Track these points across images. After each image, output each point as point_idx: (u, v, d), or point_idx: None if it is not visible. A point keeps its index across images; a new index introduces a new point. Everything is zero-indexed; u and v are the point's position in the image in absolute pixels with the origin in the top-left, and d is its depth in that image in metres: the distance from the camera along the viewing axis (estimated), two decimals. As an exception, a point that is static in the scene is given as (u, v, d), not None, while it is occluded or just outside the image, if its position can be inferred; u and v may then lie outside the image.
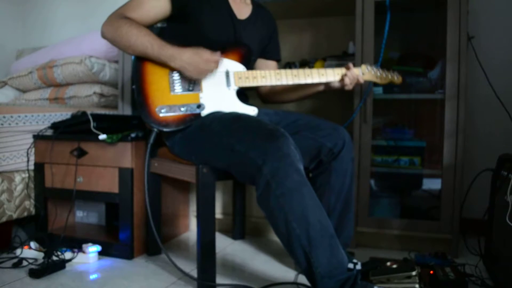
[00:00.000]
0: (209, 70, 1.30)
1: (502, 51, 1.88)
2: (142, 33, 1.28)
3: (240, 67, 1.38)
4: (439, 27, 1.64)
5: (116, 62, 2.16)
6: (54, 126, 1.72)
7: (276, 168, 1.06)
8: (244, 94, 1.46)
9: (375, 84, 1.68)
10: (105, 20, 1.34)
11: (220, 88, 1.36)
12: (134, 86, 1.38)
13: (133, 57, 1.36)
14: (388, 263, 1.32)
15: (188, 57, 1.28)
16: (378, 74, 1.48)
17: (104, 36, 1.34)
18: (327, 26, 2.04)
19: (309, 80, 1.40)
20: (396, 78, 1.51)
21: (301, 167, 1.11)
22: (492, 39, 1.89)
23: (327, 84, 1.47)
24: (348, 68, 1.41)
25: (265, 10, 1.57)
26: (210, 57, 1.29)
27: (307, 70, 1.40)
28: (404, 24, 1.83)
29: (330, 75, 1.42)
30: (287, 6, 1.84)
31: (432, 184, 1.86)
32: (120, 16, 1.32)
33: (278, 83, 1.39)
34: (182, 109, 1.31)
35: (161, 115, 1.30)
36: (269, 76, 1.38)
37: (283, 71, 1.39)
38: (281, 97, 1.59)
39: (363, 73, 1.45)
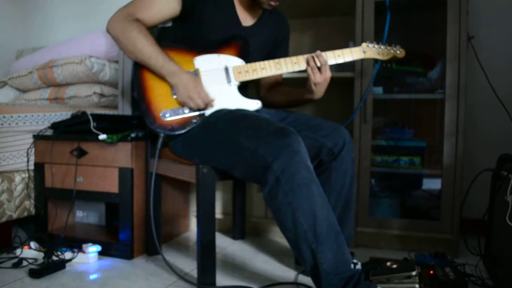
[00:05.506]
0: (195, 102, 1.28)
1: (502, 51, 1.88)
2: (149, 42, 1.29)
3: (238, 61, 1.37)
4: (439, 27, 1.64)
5: (116, 62, 2.16)
6: (54, 126, 1.72)
7: (286, 164, 1.07)
8: (245, 89, 1.45)
9: (375, 84, 1.69)
10: (113, 16, 1.33)
11: (221, 86, 1.35)
12: (135, 94, 1.38)
13: (132, 63, 1.35)
14: (388, 263, 1.32)
15: (186, 79, 1.28)
16: (380, 50, 1.44)
17: (109, 31, 1.33)
18: (327, 26, 2.04)
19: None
20: (399, 52, 1.46)
21: (310, 164, 1.11)
22: (492, 39, 1.89)
23: (309, 91, 1.40)
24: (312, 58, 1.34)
25: (277, 15, 1.53)
26: (203, 94, 1.29)
27: (307, 56, 1.36)
28: (404, 24, 1.83)
29: (331, 58, 1.38)
30: (287, 6, 1.83)
31: (432, 184, 1.86)
32: (129, 15, 1.32)
33: (279, 72, 1.38)
34: (186, 111, 1.31)
35: (166, 119, 1.30)
36: (268, 66, 1.37)
37: (282, 60, 1.37)
38: (273, 99, 1.56)
39: (364, 51, 1.41)
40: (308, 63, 1.35)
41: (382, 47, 1.44)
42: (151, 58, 1.28)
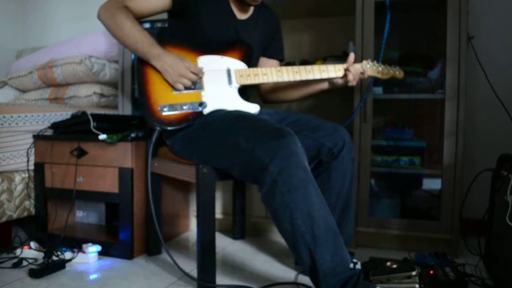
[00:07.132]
0: (187, 78, 1.29)
1: (502, 51, 1.88)
2: (135, 28, 1.30)
3: (241, 65, 1.38)
4: (439, 27, 1.64)
5: (116, 62, 2.16)
6: (54, 126, 1.72)
7: (283, 166, 1.07)
8: (245, 93, 1.46)
9: (375, 84, 1.69)
10: (103, 4, 1.34)
11: (222, 86, 1.36)
12: (135, 86, 1.39)
13: (133, 56, 1.36)
14: (388, 263, 1.32)
15: (171, 59, 1.29)
16: (380, 69, 1.47)
17: (99, 18, 1.35)
18: (327, 26, 2.04)
19: (310, 76, 1.40)
20: (398, 73, 1.50)
21: (307, 165, 1.11)
22: (492, 39, 1.89)
23: (331, 82, 1.45)
24: (349, 64, 1.41)
25: (268, 9, 1.56)
26: (192, 66, 1.30)
27: (308, 67, 1.39)
28: (404, 24, 1.83)
29: (332, 71, 1.40)
30: (287, 6, 1.84)
31: (432, 184, 1.86)
32: (119, 2, 1.33)
33: (280, 79, 1.39)
34: (185, 107, 1.31)
35: (163, 114, 1.30)
36: (270, 73, 1.38)
37: (284, 68, 1.39)
38: (283, 96, 1.58)
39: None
40: (346, 73, 1.40)
41: (382, 66, 1.48)
42: (137, 43, 1.29)
